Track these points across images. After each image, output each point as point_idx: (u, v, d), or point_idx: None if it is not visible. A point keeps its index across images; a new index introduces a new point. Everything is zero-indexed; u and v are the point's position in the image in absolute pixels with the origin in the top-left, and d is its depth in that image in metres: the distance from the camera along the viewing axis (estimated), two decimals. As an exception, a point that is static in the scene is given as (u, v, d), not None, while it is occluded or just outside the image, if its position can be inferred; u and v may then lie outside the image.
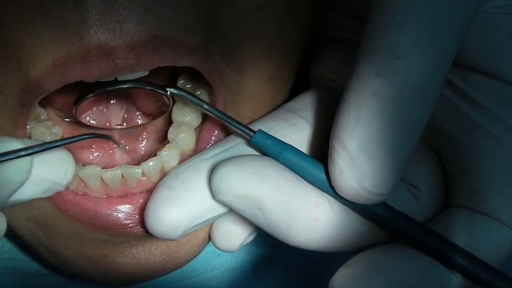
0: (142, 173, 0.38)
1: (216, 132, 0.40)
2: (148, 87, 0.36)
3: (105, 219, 0.37)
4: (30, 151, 0.31)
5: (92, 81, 0.35)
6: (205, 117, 0.41)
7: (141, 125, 0.44)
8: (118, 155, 0.43)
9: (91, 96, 0.36)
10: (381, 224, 0.33)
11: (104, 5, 0.31)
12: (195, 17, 0.33)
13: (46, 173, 0.33)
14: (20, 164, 0.31)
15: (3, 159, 0.30)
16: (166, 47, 0.33)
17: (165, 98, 0.38)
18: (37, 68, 0.32)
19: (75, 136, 0.34)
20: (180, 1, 0.32)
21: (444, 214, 0.36)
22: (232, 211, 0.34)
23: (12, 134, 0.35)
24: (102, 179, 0.38)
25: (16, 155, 0.30)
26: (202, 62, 0.35)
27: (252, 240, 0.39)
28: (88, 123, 0.43)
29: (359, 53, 0.31)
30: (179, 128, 0.40)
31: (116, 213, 0.37)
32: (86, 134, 0.35)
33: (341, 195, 0.31)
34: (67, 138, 0.34)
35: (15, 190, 0.32)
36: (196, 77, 0.37)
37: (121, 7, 0.31)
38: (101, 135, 0.36)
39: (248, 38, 0.36)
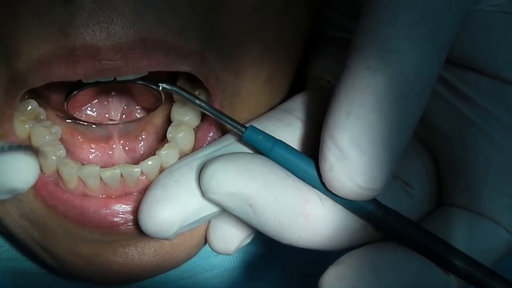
0: (141, 172, 0.38)
1: (211, 133, 0.40)
2: (140, 82, 0.36)
3: (92, 216, 0.37)
4: None
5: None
6: (203, 117, 0.41)
7: (140, 123, 0.44)
8: (117, 154, 0.43)
9: (79, 91, 0.37)
10: (373, 222, 0.33)
11: (93, 6, 0.30)
12: (189, 20, 0.33)
13: (6, 180, 0.33)
14: None
15: None
16: (157, 51, 0.33)
17: (158, 93, 0.38)
18: (22, 62, 0.32)
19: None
20: (175, 4, 0.32)
21: (437, 213, 0.35)
22: (227, 212, 0.34)
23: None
24: (101, 178, 0.38)
25: None
26: (197, 66, 0.35)
27: (250, 240, 0.39)
28: (87, 121, 0.43)
29: (351, 47, 0.31)
30: (178, 127, 0.40)
31: (104, 210, 0.37)
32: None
33: (332, 191, 0.31)
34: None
35: None
36: (195, 78, 0.37)
37: (110, 8, 0.31)
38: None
39: (245, 40, 0.36)
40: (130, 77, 0.35)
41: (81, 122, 0.43)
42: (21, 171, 0.34)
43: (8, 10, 0.31)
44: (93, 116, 0.44)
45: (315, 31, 0.44)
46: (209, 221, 0.38)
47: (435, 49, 0.30)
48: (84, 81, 0.35)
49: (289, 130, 0.36)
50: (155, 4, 0.32)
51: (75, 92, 0.37)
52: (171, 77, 0.41)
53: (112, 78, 0.34)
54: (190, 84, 0.40)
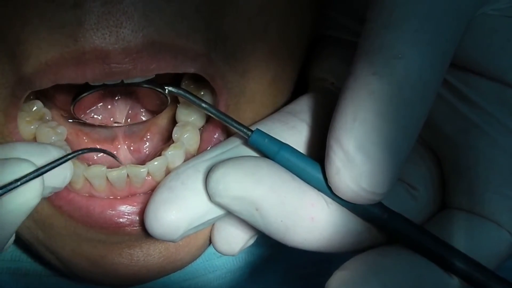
0: (147, 172, 0.38)
1: (217, 134, 0.40)
2: (147, 85, 0.36)
3: (98, 217, 0.37)
4: (40, 172, 0.31)
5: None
6: (208, 118, 0.41)
7: (145, 124, 0.44)
8: (123, 155, 0.43)
9: (86, 95, 0.37)
10: (378, 225, 0.33)
11: (102, 9, 0.31)
12: (196, 23, 0.33)
13: (46, 181, 0.33)
14: (32, 189, 0.31)
15: (15, 185, 0.30)
16: (165, 54, 0.33)
17: (164, 96, 0.38)
18: (30, 65, 0.32)
19: (79, 150, 0.35)
20: (182, 8, 0.32)
21: (441, 215, 0.36)
22: (232, 214, 0.34)
23: (4, 125, 0.36)
24: (107, 178, 0.38)
25: (27, 178, 0.31)
26: (203, 67, 0.35)
27: (254, 242, 0.39)
28: (92, 123, 0.43)
29: (357, 52, 0.31)
30: (184, 128, 0.40)
31: (109, 211, 0.37)
32: (89, 149, 0.36)
33: (338, 194, 0.31)
34: (72, 153, 0.34)
35: (28, 213, 0.32)
36: (199, 78, 0.37)
37: (120, 12, 0.31)
38: (103, 150, 0.37)
39: (250, 41, 0.36)
40: (137, 79, 0.35)
41: (86, 123, 0.43)
42: (58, 171, 0.34)
43: (15, 15, 0.31)
44: (98, 119, 0.44)
45: (317, 32, 0.44)
46: (214, 223, 0.38)
47: (439, 54, 0.30)
48: (91, 84, 0.35)
49: (294, 133, 0.36)
50: (163, 7, 0.32)
51: (81, 96, 0.37)
52: (176, 77, 0.41)
53: (119, 81, 0.35)
54: (195, 84, 0.40)
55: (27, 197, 0.31)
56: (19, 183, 0.30)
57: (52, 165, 0.32)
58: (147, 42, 0.32)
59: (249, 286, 0.53)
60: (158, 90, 0.37)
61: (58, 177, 0.34)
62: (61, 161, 0.33)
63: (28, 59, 0.32)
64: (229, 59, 0.36)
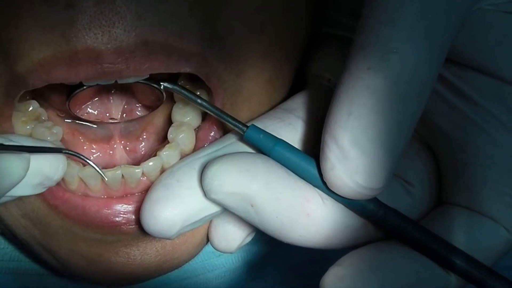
0: (142, 173, 0.38)
1: (212, 133, 0.40)
2: (142, 81, 0.36)
3: (94, 216, 0.37)
4: (31, 149, 0.33)
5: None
6: (204, 117, 0.41)
7: (141, 124, 0.44)
8: (119, 155, 0.43)
9: (82, 90, 0.37)
10: (374, 220, 0.33)
11: (94, 9, 0.31)
12: (190, 22, 0.33)
13: (39, 167, 0.33)
14: (21, 159, 0.32)
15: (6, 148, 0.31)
16: (158, 54, 0.33)
17: (159, 92, 0.38)
18: (22, 65, 0.32)
19: (71, 151, 0.36)
20: (175, 7, 0.32)
21: (437, 211, 0.36)
22: (229, 211, 0.34)
23: None
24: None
25: (18, 149, 0.32)
26: (198, 67, 0.35)
27: (252, 240, 0.39)
28: (88, 119, 0.43)
29: (352, 47, 0.31)
30: (179, 128, 0.40)
31: (105, 210, 0.37)
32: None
33: (333, 190, 0.31)
34: (66, 149, 0.36)
35: (14, 184, 0.32)
36: (195, 77, 0.37)
37: (112, 12, 0.31)
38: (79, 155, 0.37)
39: (246, 41, 0.36)
40: (131, 80, 0.35)
41: (82, 123, 0.43)
42: (52, 160, 0.35)
43: (8, 14, 0.31)
44: (94, 114, 0.44)
45: (314, 30, 0.44)
46: (211, 220, 0.38)
47: (435, 49, 0.30)
48: (85, 84, 0.35)
49: (290, 130, 0.36)
50: (156, 7, 0.32)
51: (76, 91, 0.37)
52: (172, 77, 0.40)
53: (113, 81, 0.35)
54: (191, 84, 0.40)
55: (16, 164, 0.32)
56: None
57: (40, 148, 0.34)
58: (140, 41, 0.32)
59: (248, 285, 0.52)
60: (153, 86, 0.37)
61: (51, 166, 0.34)
62: (51, 151, 0.34)
63: (21, 59, 0.32)
64: (225, 59, 0.36)
